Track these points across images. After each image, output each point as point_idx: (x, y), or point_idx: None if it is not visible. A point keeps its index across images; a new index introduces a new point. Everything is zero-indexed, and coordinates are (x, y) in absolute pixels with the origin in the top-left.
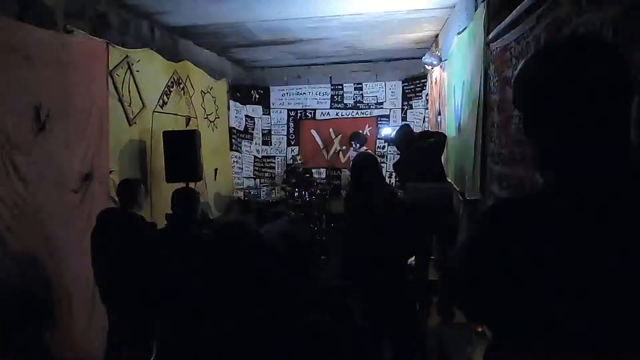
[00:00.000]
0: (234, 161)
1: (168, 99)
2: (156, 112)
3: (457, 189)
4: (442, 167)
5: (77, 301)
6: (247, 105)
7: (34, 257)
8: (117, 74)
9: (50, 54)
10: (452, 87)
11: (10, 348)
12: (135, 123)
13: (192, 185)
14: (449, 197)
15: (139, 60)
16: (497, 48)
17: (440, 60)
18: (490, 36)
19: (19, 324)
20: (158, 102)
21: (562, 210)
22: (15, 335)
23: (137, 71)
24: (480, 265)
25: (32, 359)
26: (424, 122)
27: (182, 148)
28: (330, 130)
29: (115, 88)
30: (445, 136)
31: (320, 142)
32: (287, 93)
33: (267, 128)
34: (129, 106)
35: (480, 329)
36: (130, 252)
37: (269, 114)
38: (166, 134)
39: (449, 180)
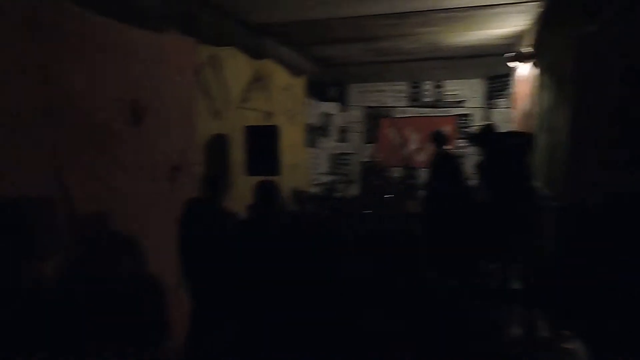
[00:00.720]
0: (310, 157)
1: (250, 95)
2: (239, 107)
3: (546, 194)
4: (529, 169)
5: (166, 284)
6: (324, 102)
7: (132, 240)
8: (204, 71)
9: (145, 52)
10: (543, 83)
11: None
12: (219, 118)
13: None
14: (534, 201)
15: (223, 58)
16: (592, 44)
17: (529, 56)
18: (586, 31)
19: (118, 304)
20: (241, 98)
21: None
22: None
23: (223, 68)
24: None
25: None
26: (508, 122)
27: (262, 143)
28: (408, 128)
29: (202, 84)
30: (532, 136)
31: (397, 141)
32: (364, 90)
33: (344, 125)
34: (214, 102)
35: (568, 347)
36: (212, 240)
37: (346, 111)
38: (247, 129)
39: (537, 184)
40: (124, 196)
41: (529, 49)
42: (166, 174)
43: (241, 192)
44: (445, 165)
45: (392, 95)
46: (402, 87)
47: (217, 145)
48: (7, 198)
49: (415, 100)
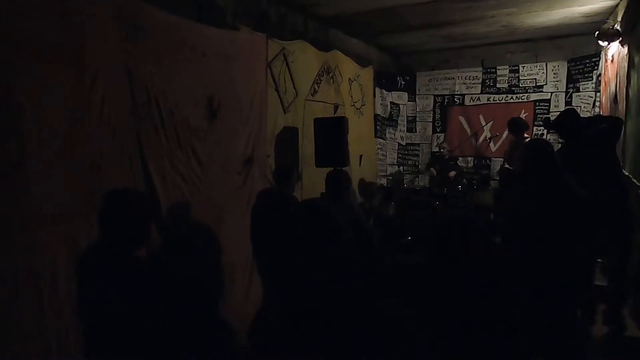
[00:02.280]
0: (378, 148)
1: (318, 87)
2: (307, 100)
3: (637, 183)
4: (617, 157)
5: (238, 273)
6: (392, 92)
7: (207, 228)
8: (274, 65)
9: (220, 49)
10: (635, 63)
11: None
12: (289, 111)
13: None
14: (626, 193)
15: (293, 52)
16: None
17: (620, 33)
18: None
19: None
20: (310, 90)
21: None
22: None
23: (292, 62)
24: None
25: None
26: (593, 106)
27: (331, 134)
28: (480, 116)
29: (273, 78)
30: (621, 121)
31: (468, 130)
32: (433, 78)
33: (412, 115)
34: (284, 95)
35: None
36: (282, 229)
37: (415, 100)
38: (316, 121)
39: (626, 173)
40: (199, 186)
41: (619, 26)
42: (239, 167)
43: (311, 182)
44: (537, 155)
45: (463, 82)
46: (475, 73)
47: (288, 138)
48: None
49: (488, 86)
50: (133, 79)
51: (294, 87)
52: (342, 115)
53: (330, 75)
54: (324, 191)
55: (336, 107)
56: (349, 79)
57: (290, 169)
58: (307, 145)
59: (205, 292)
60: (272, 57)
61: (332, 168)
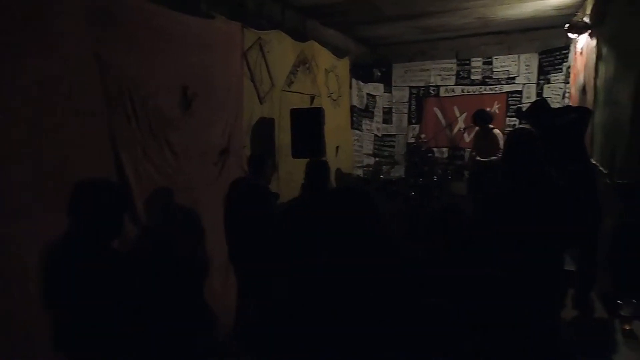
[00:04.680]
0: (354, 139)
1: (295, 78)
2: (284, 90)
3: (604, 171)
4: (585, 146)
5: (215, 262)
6: (368, 83)
7: (183, 219)
8: (250, 55)
9: (195, 38)
10: (603, 55)
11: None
12: (265, 101)
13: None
14: (594, 181)
15: (269, 41)
16: None
17: (588, 26)
18: None
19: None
20: (286, 81)
21: None
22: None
23: (268, 52)
24: None
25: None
26: (563, 97)
27: (307, 125)
28: (455, 108)
29: (249, 68)
30: (589, 111)
31: (443, 121)
32: (409, 70)
33: (388, 106)
34: (260, 85)
35: (628, 327)
36: (255, 217)
37: (391, 91)
38: (293, 112)
39: (593, 162)
40: (174, 177)
41: (588, 18)
42: (214, 157)
43: (288, 173)
44: (519, 143)
45: (438, 73)
46: (450, 65)
47: (264, 129)
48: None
49: (463, 78)
50: (104, 67)
51: (270, 78)
52: (319, 106)
53: (307, 66)
54: (303, 182)
55: (312, 98)
56: (326, 69)
57: (263, 158)
58: (283, 136)
59: (183, 282)
60: (248, 47)
61: (309, 159)
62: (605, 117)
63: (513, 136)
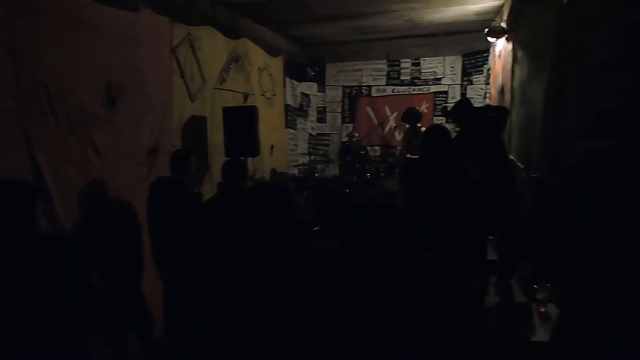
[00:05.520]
0: (289, 138)
1: (227, 75)
2: (216, 88)
3: (520, 166)
4: (504, 143)
5: (147, 264)
6: (302, 83)
7: (110, 221)
8: (179, 51)
9: (120, 31)
10: (518, 58)
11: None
12: (196, 99)
13: (250, 160)
14: (511, 174)
15: (200, 38)
16: (575, 12)
17: (505, 31)
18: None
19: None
20: (218, 78)
21: None
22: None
23: (199, 48)
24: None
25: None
26: (485, 98)
27: (241, 124)
28: (386, 107)
29: (178, 64)
30: (507, 110)
31: (375, 120)
32: (342, 70)
33: (322, 105)
34: (191, 82)
35: (543, 310)
36: (175, 218)
37: (324, 91)
38: (226, 110)
39: (511, 157)
40: (98, 179)
41: (505, 24)
42: (142, 156)
43: (220, 172)
44: (433, 138)
45: (370, 74)
46: (381, 65)
47: (195, 127)
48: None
49: (393, 78)
50: (17, 61)
51: (201, 75)
52: (253, 104)
53: (240, 63)
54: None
55: (246, 97)
56: (259, 68)
57: (186, 156)
58: (216, 135)
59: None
60: (177, 42)
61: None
62: (521, 116)
63: (427, 132)
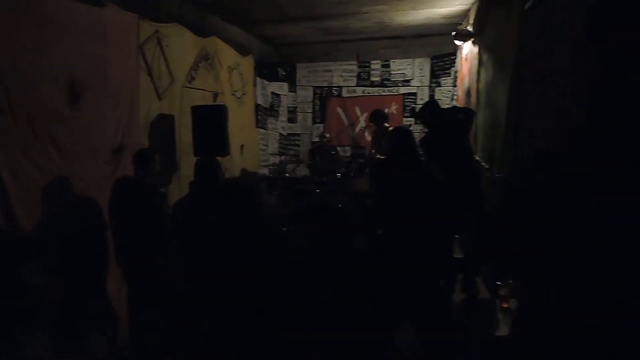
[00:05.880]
0: (259, 138)
1: (196, 74)
2: (184, 87)
3: (486, 166)
4: (470, 144)
5: (112, 266)
6: (273, 82)
7: (73, 221)
8: (147, 48)
9: (85, 27)
10: (483, 61)
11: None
12: (164, 97)
13: (219, 160)
14: (477, 174)
15: (168, 35)
16: (536, 17)
17: (472, 34)
18: (528, 5)
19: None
20: (186, 77)
21: None
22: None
23: (167, 46)
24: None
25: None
26: (452, 100)
27: (210, 123)
28: (356, 108)
29: (145, 62)
30: (473, 112)
31: (346, 120)
32: (313, 70)
33: (292, 105)
34: (159, 80)
35: (506, 305)
36: (139, 219)
37: (295, 91)
38: (194, 109)
39: (477, 158)
40: (59, 178)
41: (471, 27)
42: (107, 156)
43: (191, 172)
44: (397, 139)
45: (341, 75)
46: (351, 66)
47: (163, 126)
48: None
49: (363, 79)
50: None
51: (170, 73)
52: (222, 103)
53: (209, 62)
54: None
55: (215, 96)
56: (229, 67)
57: (149, 155)
58: (185, 134)
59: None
60: (145, 40)
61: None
62: (486, 117)
63: (391, 134)
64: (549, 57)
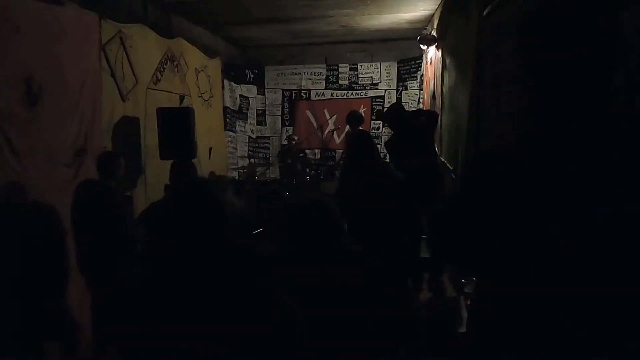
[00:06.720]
0: (228, 141)
1: (162, 75)
2: (150, 88)
3: (450, 167)
4: (434, 144)
5: (73, 271)
6: (241, 85)
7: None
8: (109, 49)
9: (41, 25)
10: (447, 65)
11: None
12: (128, 99)
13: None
14: (440, 174)
15: (131, 35)
16: (492, 23)
17: (435, 39)
18: (485, 11)
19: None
20: (152, 78)
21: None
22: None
23: (131, 47)
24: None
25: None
26: (418, 102)
27: (176, 125)
28: (325, 110)
29: (108, 63)
30: (437, 114)
31: (314, 123)
32: (281, 73)
33: (261, 108)
34: (122, 82)
35: (470, 302)
36: (102, 223)
37: (264, 93)
38: (160, 111)
39: (442, 159)
40: (16, 182)
41: (435, 32)
42: (68, 158)
43: (156, 175)
44: (356, 143)
45: (309, 77)
46: (320, 69)
47: (127, 128)
48: None
49: (332, 82)
50: None
51: (134, 74)
52: (189, 105)
53: (175, 63)
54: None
55: (182, 98)
56: (196, 69)
57: (113, 157)
58: (150, 137)
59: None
60: (107, 40)
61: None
62: (450, 120)
63: (350, 137)
64: (501, 62)
